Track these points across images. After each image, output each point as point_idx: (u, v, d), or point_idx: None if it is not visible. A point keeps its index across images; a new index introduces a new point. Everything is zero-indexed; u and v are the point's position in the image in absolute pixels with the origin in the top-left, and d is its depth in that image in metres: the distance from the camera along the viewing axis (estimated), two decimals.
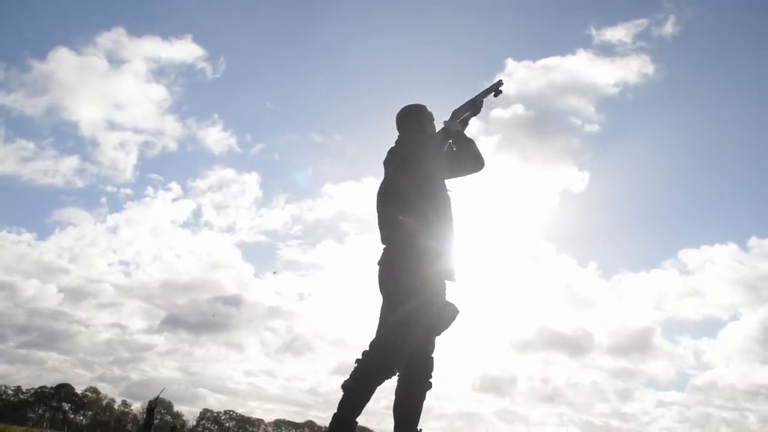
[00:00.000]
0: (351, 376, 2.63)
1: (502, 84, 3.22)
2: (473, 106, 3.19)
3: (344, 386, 2.63)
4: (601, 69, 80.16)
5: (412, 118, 3.11)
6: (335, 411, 2.62)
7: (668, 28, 75.28)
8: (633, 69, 77.42)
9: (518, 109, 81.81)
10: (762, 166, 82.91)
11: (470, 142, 3.05)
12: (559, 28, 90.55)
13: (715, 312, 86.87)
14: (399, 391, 2.82)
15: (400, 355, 2.65)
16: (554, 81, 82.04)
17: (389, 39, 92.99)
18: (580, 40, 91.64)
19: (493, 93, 3.23)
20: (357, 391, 2.61)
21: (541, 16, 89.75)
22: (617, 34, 79.17)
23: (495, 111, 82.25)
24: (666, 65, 78.12)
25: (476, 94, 3.22)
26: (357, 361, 2.65)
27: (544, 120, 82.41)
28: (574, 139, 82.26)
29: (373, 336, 2.73)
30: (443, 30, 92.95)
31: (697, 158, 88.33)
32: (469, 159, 3.03)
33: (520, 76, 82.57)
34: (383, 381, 2.64)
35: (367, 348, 2.67)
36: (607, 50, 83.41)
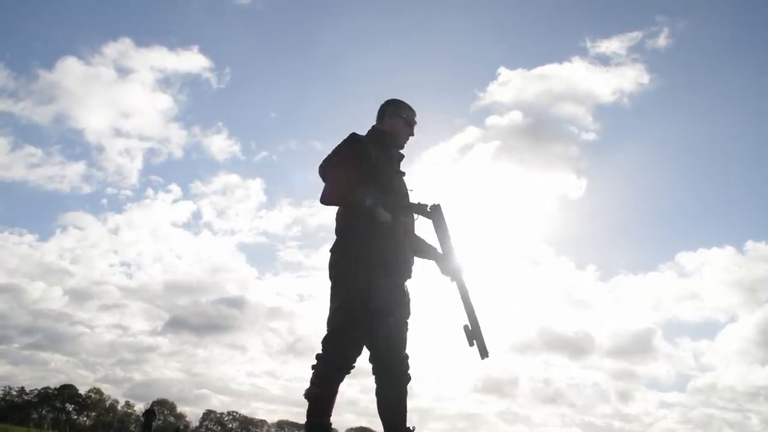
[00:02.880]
0: (311, 382, 2.63)
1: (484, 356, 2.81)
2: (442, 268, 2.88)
3: (307, 395, 2.62)
4: (598, 77, 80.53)
5: (380, 111, 2.97)
6: (306, 420, 2.62)
7: (662, 41, 75.98)
8: (629, 78, 78.24)
9: (516, 115, 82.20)
10: (757, 171, 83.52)
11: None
12: (554, 40, 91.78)
13: (713, 314, 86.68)
14: (378, 393, 2.79)
15: (350, 353, 2.63)
16: (551, 89, 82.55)
17: (386, 49, 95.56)
18: (576, 52, 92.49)
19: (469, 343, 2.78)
20: (321, 396, 2.61)
21: (536, 27, 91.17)
22: (612, 46, 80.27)
23: (493, 118, 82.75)
24: (660, 75, 78.90)
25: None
26: (313, 366, 2.64)
27: (542, 127, 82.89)
28: (571, 146, 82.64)
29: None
30: (438, 40, 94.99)
31: (694, 164, 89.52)
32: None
33: (516, 83, 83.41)
34: (343, 378, 2.64)
35: (320, 351, 2.66)
36: (603, 61, 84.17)
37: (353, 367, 2.66)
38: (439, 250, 2.89)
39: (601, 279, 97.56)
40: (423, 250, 2.95)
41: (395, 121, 2.93)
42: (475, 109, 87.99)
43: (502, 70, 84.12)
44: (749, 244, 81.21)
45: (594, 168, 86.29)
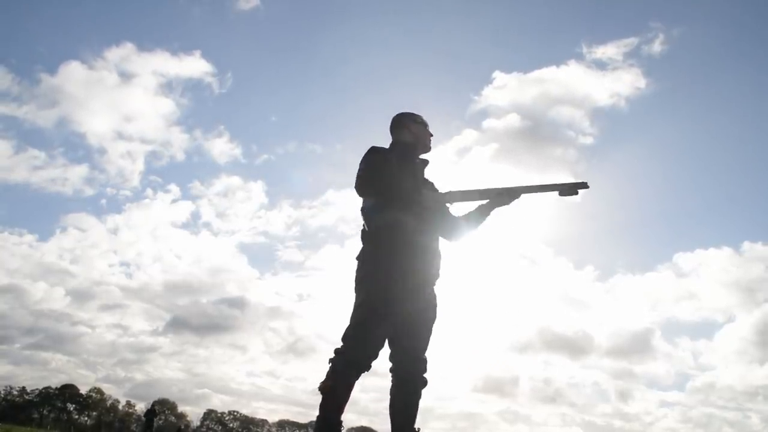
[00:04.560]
0: (327, 376, 2.63)
1: (584, 186, 2.91)
2: (500, 199, 2.96)
3: (321, 388, 2.63)
4: (595, 81, 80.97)
5: (395, 124, 3.06)
6: (318, 413, 2.61)
7: (657, 47, 76.60)
8: (626, 82, 79.02)
9: (513, 118, 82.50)
10: (753, 173, 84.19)
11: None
12: (550, 46, 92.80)
13: (710, 314, 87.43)
14: (392, 391, 2.82)
15: (369, 350, 2.64)
16: (548, 92, 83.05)
17: (382, 54, 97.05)
18: (572, 57, 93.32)
19: (560, 192, 2.90)
20: (335, 390, 2.61)
21: (532, 33, 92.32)
22: (608, 51, 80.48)
23: (490, 121, 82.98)
24: (656, 80, 79.79)
25: (537, 183, 2.92)
26: (330, 360, 2.65)
27: (539, 130, 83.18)
28: (569, 149, 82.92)
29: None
30: (433, 45, 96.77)
31: (691, 166, 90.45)
32: (447, 229, 2.97)
33: (512, 87, 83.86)
34: (359, 377, 2.64)
35: (339, 346, 2.67)
36: (600, 66, 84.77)
37: (370, 366, 2.66)
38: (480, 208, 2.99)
39: (600, 279, 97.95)
40: (472, 219, 3.01)
41: (416, 127, 3.02)
42: (471, 112, 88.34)
43: (497, 74, 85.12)
44: (746, 245, 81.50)
45: (591, 171, 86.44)
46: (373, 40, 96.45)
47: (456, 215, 3.04)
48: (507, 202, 2.98)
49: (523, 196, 2.97)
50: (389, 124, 3.08)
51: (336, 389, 2.61)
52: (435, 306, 2.89)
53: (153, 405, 26.11)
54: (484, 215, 3.02)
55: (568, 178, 3.00)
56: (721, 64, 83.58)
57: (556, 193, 2.92)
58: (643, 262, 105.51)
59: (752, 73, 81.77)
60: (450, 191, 2.97)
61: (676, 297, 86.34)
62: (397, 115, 3.07)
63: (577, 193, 2.91)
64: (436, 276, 2.89)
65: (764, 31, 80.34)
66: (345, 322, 2.72)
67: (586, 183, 2.91)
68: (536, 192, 2.94)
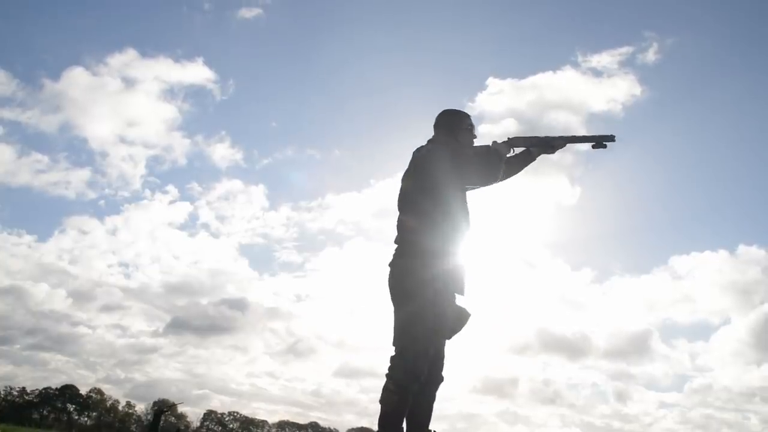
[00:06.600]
0: (389, 390, 2.66)
1: (612, 139, 3.10)
2: (547, 146, 3.15)
3: (386, 402, 2.66)
4: (591, 87, 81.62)
5: (444, 124, 3.08)
6: (378, 429, 2.67)
7: (651, 56, 77.55)
8: (621, 89, 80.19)
9: (509, 124, 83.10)
10: (748, 177, 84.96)
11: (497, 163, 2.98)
12: (545, 54, 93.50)
13: (707, 316, 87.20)
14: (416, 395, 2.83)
15: (428, 362, 2.70)
16: (543, 97, 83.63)
17: (380, 63, 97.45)
18: (567, 64, 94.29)
19: (593, 144, 3.13)
20: (399, 404, 2.66)
21: (526, 41, 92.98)
22: (603, 60, 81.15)
23: (485, 126, 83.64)
24: (651, 87, 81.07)
25: (575, 135, 3.16)
26: (389, 375, 2.69)
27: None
28: (566, 154, 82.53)
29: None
30: (428, 53, 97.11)
31: (687, 170, 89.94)
32: (484, 174, 2.96)
33: (507, 93, 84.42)
34: (416, 389, 2.69)
35: (392, 358, 2.71)
36: (596, 73, 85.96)
37: (423, 378, 2.70)
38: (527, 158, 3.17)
39: (597, 281, 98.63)
40: (518, 161, 3.15)
41: (464, 135, 3.06)
42: None
43: (491, 80, 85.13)
44: (741, 248, 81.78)
45: (588, 175, 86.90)
46: (369, 49, 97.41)
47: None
48: (552, 151, 3.18)
49: (566, 146, 3.21)
50: (438, 118, 3.10)
51: (402, 403, 2.65)
52: (462, 319, 2.88)
53: (159, 406, 26.40)
54: (528, 160, 3.17)
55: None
56: (714, 72, 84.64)
57: (589, 145, 3.18)
58: (640, 265, 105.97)
59: (744, 80, 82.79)
60: (515, 137, 3.15)
61: (672, 299, 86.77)
62: (449, 116, 3.09)
63: (605, 146, 3.12)
64: (464, 286, 2.93)
65: (755, 39, 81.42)
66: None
67: (613, 136, 3.11)
68: (576, 143, 3.19)
